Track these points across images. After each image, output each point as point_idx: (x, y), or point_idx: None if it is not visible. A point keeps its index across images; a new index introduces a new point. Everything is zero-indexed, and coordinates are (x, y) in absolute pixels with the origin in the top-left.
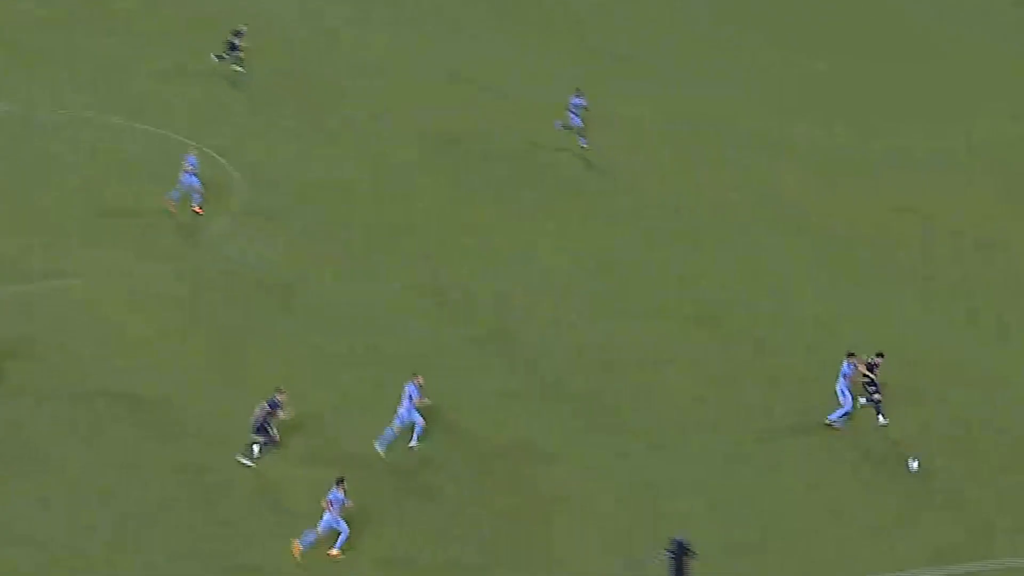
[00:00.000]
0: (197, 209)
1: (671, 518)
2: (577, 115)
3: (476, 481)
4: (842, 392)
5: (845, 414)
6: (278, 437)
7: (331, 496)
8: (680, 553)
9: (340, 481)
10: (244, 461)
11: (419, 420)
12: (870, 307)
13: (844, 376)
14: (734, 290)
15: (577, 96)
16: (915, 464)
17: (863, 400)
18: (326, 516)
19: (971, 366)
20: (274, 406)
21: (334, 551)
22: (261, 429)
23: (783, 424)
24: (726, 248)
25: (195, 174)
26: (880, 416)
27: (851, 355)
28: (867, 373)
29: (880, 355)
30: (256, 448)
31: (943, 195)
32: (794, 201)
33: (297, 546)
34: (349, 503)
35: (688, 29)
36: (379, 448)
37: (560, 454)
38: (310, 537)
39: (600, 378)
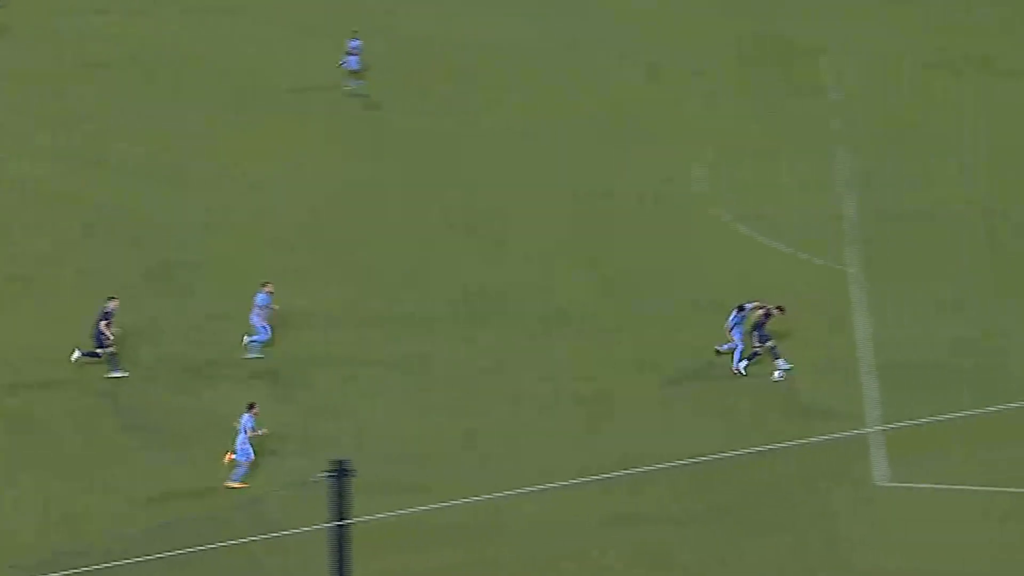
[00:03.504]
0: None
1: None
2: (356, 57)
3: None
4: (730, 329)
5: (738, 353)
6: (104, 351)
7: (242, 421)
8: (340, 474)
9: (251, 406)
10: (116, 374)
11: (266, 329)
12: None
13: (739, 310)
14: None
15: (354, 39)
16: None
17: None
18: (239, 439)
19: None
20: (106, 315)
21: (228, 456)
22: (96, 340)
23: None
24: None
25: None
26: (777, 362)
27: (755, 304)
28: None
29: (780, 308)
30: (77, 354)
31: None
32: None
33: (232, 483)
34: (262, 431)
35: None
36: (251, 354)
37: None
38: (240, 470)
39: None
